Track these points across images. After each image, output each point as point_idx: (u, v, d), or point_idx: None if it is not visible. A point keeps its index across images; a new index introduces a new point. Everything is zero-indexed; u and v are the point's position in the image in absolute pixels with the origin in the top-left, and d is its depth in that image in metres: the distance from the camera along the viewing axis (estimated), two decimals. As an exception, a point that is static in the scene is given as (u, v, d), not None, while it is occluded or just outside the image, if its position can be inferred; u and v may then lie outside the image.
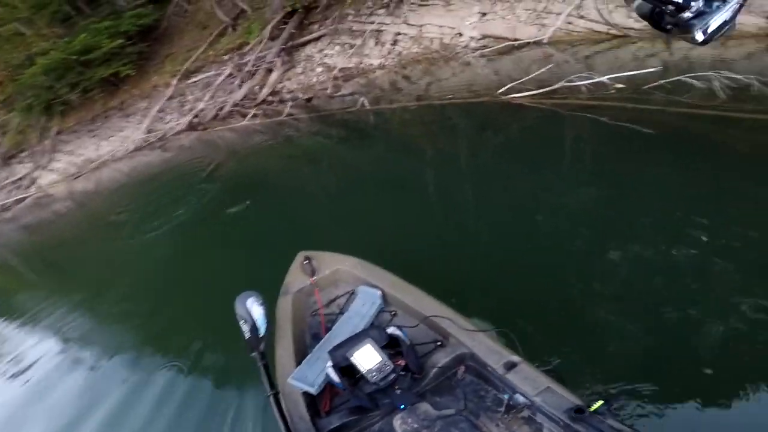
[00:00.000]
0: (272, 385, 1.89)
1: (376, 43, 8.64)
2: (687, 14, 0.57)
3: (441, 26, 7.99)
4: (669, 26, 0.58)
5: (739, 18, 0.68)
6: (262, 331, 2.01)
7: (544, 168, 4.46)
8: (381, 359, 1.81)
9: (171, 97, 12.75)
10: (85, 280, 6.67)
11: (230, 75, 11.38)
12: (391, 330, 1.93)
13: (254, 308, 2.03)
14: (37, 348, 5.05)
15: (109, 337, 4.93)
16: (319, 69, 9.34)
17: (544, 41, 6.84)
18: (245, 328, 1.95)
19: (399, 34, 8.41)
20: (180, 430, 3.11)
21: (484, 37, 7.54)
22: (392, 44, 8.47)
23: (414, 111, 6.96)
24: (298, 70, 9.81)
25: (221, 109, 11.16)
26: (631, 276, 2.88)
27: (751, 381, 2.09)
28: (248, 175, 7.84)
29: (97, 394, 3.88)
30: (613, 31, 6.17)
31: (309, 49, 9.81)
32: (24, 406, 4.16)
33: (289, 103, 9.46)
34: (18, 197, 12.15)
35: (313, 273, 2.52)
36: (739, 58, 4.73)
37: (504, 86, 5.88)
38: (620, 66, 5.43)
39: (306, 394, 1.94)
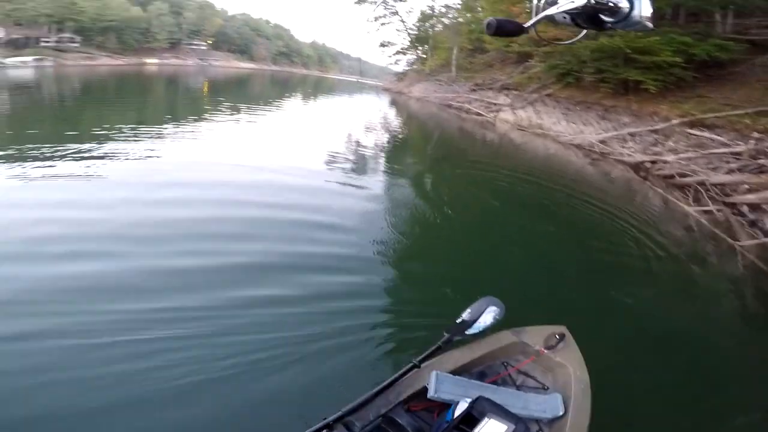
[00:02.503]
0: (423, 361, 2.09)
1: None
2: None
3: None
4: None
5: None
6: (472, 330, 2.28)
7: None
8: None
9: (654, 131, 11.23)
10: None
11: (735, 154, 8.63)
12: None
13: (487, 314, 2.33)
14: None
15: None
16: None
17: None
18: (466, 315, 2.32)
19: None
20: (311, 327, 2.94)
21: None
22: None
23: None
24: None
25: (684, 176, 8.93)
26: None
27: None
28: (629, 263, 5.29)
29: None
30: None
31: None
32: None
33: (758, 236, 6.38)
34: (481, 112, 14.77)
35: (549, 348, 2.43)
36: None
37: None
38: None
39: (423, 389, 2.00)
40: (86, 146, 6.81)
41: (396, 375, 2.02)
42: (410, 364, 2.07)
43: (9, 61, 40.84)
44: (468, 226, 5.70)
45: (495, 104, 15.57)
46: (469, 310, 2.41)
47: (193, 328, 2.75)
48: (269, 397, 2.34)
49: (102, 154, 6.48)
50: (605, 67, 13.48)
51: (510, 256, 4.81)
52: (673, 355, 3.36)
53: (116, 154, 6.57)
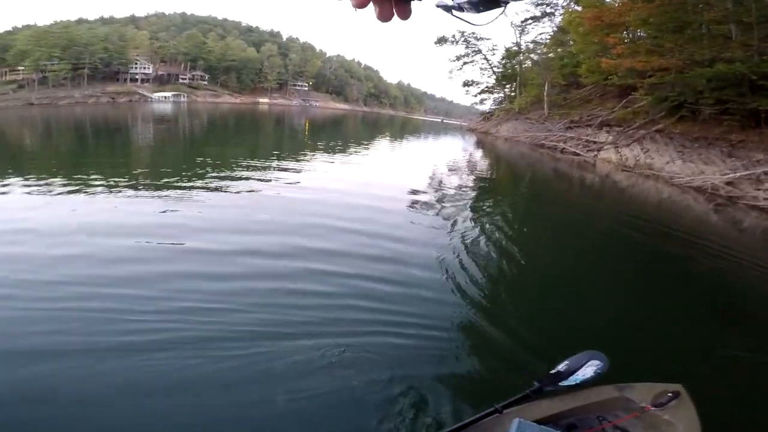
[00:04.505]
0: (506, 407, 2.02)
1: None
2: None
3: None
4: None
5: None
6: (568, 381, 2.15)
7: None
8: None
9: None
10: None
11: None
12: None
13: (588, 368, 2.16)
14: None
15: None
16: None
17: None
18: (562, 367, 2.19)
19: None
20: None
21: None
22: None
23: None
24: None
25: None
26: None
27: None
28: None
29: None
30: None
31: None
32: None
33: None
34: (578, 152, 13.91)
35: (658, 405, 2.18)
36: None
37: None
38: None
39: None
40: (209, 173, 8.53)
41: (474, 417, 1.93)
42: (491, 408, 1.98)
43: (155, 95, 50.06)
44: (568, 272, 5.24)
45: (594, 142, 14.57)
46: (567, 362, 2.26)
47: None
48: (341, 417, 2.37)
49: (218, 181, 7.78)
50: (728, 97, 12.02)
51: (618, 307, 4.31)
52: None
53: (228, 183, 7.79)
